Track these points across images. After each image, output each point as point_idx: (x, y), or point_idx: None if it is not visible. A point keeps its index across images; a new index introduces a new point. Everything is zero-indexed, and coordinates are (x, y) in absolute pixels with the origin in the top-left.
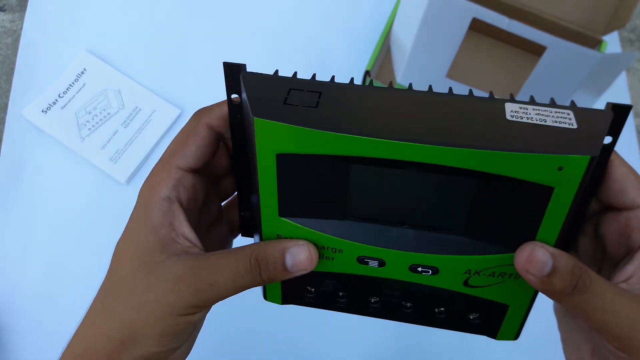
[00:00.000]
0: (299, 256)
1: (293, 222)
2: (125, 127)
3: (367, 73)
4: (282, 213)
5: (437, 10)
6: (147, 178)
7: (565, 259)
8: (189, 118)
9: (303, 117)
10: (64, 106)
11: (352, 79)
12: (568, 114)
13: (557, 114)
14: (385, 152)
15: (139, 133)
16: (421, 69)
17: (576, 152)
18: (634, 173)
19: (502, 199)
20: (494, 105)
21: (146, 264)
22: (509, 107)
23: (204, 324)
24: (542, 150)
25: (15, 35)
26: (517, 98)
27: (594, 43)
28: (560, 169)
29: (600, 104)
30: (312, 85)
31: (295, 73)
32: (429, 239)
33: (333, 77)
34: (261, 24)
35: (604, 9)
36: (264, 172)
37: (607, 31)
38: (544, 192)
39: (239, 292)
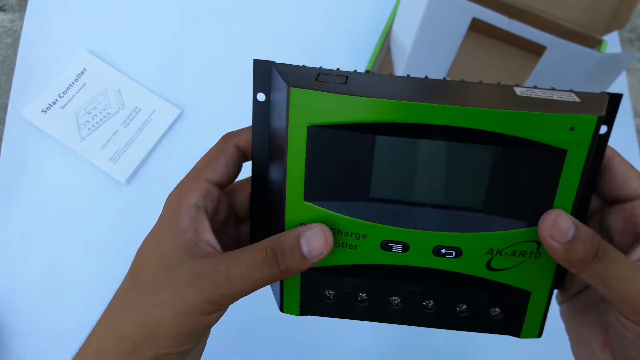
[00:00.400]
0: (314, 239)
1: (318, 207)
2: (125, 127)
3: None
4: (307, 197)
5: (437, 10)
6: (175, 187)
7: (585, 229)
8: (188, 118)
9: (334, 87)
10: (64, 106)
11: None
12: (570, 94)
13: (561, 93)
14: (410, 115)
15: (139, 133)
16: (421, 69)
17: (585, 112)
18: (634, 168)
19: (520, 167)
20: (504, 87)
21: (168, 265)
22: (518, 89)
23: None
24: (554, 111)
25: (15, 35)
26: None
27: (594, 43)
28: (572, 129)
29: None
30: (339, 72)
31: (321, 67)
32: (451, 218)
33: (355, 70)
34: (261, 24)
35: (604, 9)
36: (293, 151)
37: (607, 31)
38: (558, 156)
39: (258, 287)
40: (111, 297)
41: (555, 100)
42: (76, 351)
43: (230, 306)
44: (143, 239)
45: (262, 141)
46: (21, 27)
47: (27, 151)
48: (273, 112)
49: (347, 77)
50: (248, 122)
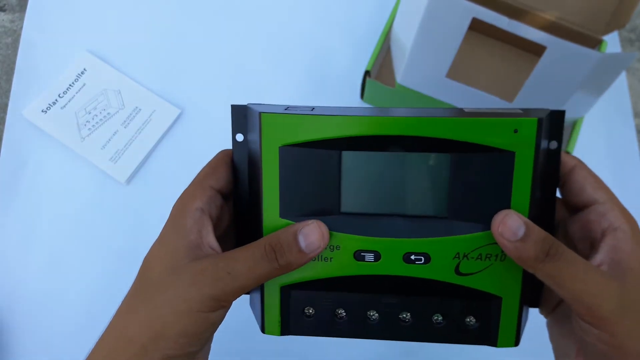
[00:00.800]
0: (311, 234)
1: (293, 222)
2: (125, 127)
3: (367, 73)
4: (283, 214)
5: (437, 10)
6: (180, 195)
7: (538, 229)
8: (188, 118)
9: (302, 112)
10: (64, 106)
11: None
12: (516, 109)
13: (506, 109)
14: (370, 128)
15: (139, 133)
16: (421, 69)
17: (526, 116)
18: (594, 176)
19: (475, 172)
20: (455, 108)
21: (172, 267)
22: (466, 108)
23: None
24: (498, 116)
25: (15, 35)
26: (517, 98)
27: (594, 43)
28: (515, 131)
29: (600, 104)
30: (306, 106)
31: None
32: (418, 225)
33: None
34: (261, 24)
35: (604, 9)
36: (268, 172)
37: (607, 31)
38: (507, 158)
39: (258, 282)
40: (110, 297)
41: (500, 112)
42: (86, 356)
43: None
44: (143, 238)
45: (242, 174)
46: (21, 27)
47: (27, 151)
48: (250, 148)
49: (313, 108)
50: None
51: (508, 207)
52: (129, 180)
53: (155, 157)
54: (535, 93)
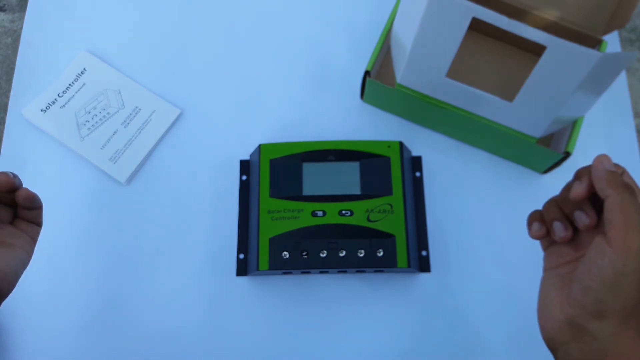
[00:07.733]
0: None
1: (277, 199)
2: (125, 127)
3: (367, 73)
4: (271, 195)
5: (437, 10)
6: None
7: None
8: (188, 118)
9: (279, 141)
10: (64, 106)
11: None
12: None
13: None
14: (318, 146)
15: (139, 133)
16: (421, 69)
17: (392, 140)
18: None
19: (372, 169)
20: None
21: None
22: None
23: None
24: (378, 139)
25: (15, 35)
26: (517, 98)
27: (594, 43)
28: (389, 147)
29: (600, 104)
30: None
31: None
32: (346, 197)
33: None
34: (261, 24)
35: (604, 9)
36: (263, 173)
37: (607, 31)
38: (386, 160)
39: None
40: (110, 296)
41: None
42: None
43: (233, 320)
44: (143, 238)
45: (245, 204)
46: (21, 27)
47: (27, 151)
48: (252, 178)
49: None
50: (247, 122)
51: (390, 186)
52: (129, 180)
53: (155, 157)
54: (535, 93)
